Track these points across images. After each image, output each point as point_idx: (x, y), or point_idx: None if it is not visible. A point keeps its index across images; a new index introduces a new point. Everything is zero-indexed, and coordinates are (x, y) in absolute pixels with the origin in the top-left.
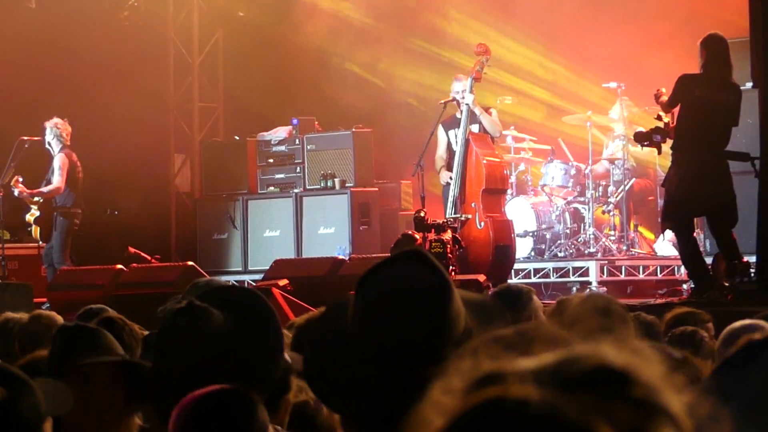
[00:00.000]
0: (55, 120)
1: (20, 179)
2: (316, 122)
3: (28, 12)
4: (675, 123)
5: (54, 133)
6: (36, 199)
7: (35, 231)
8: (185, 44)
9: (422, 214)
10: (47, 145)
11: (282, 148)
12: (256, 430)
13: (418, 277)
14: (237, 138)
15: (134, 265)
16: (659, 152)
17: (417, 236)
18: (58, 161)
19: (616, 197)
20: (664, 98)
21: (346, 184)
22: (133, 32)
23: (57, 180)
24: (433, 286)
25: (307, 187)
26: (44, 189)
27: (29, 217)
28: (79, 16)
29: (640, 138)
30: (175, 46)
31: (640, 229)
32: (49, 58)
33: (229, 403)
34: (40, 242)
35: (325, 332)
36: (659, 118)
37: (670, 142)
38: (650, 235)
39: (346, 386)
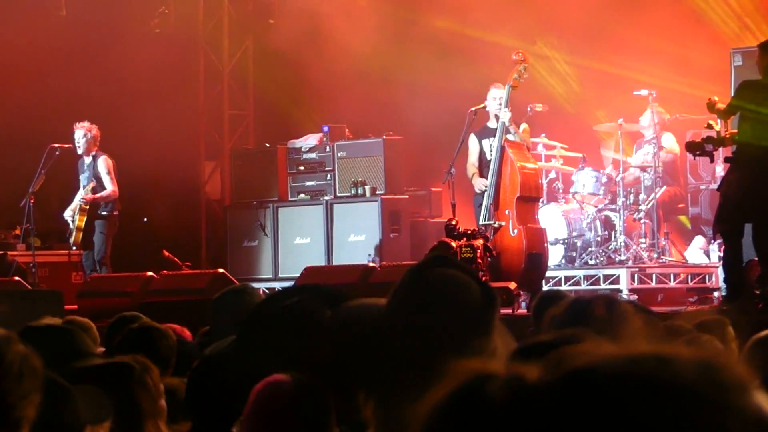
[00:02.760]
0: (88, 124)
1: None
2: (347, 129)
3: (58, 20)
4: (737, 129)
5: (89, 137)
6: (84, 206)
7: (77, 236)
8: (215, 51)
9: (453, 222)
10: (80, 149)
11: (312, 155)
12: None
13: (467, 285)
14: (267, 145)
15: (164, 272)
16: (711, 161)
17: (452, 244)
18: (104, 166)
19: (647, 205)
20: (720, 105)
21: (377, 192)
22: (163, 40)
23: (109, 184)
24: (484, 297)
25: (338, 195)
26: (98, 195)
27: (78, 223)
28: (110, 23)
29: (692, 148)
30: (206, 54)
31: (679, 217)
32: (80, 66)
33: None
34: (77, 249)
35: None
36: (710, 126)
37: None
38: (686, 222)
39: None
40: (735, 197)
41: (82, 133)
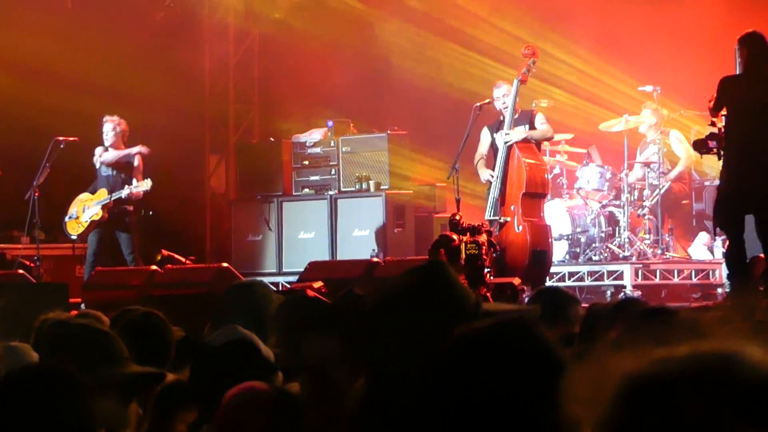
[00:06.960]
0: (117, 118)
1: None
2: (351, 124)
3: (64, 12)
4: (724, 125)
5: (118, 131)
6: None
7: (88, 228)
8: (221, 46)
9: (457, 217)
10: (107, 141)
11: (317, 150)
12: None
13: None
14: (272, 139)
15: (169, 266)
16: (719, 158)
17: (454, 237)
18: (138, 163)
19: (651, 201)
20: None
21: (381, 187)
22: (168, 33)
23: (138, 176)
24: (418, 278)
25: (342, 190)
26: (135, 191)
27: (94, 217)
28: (115, 16)
29: (698, 146)
30: (211, 48)
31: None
32: (85, 59)
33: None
34: (77, 240)
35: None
36: (713, 124)
37: None
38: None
39: None
40: (725, 190)
41: (111, 126)
